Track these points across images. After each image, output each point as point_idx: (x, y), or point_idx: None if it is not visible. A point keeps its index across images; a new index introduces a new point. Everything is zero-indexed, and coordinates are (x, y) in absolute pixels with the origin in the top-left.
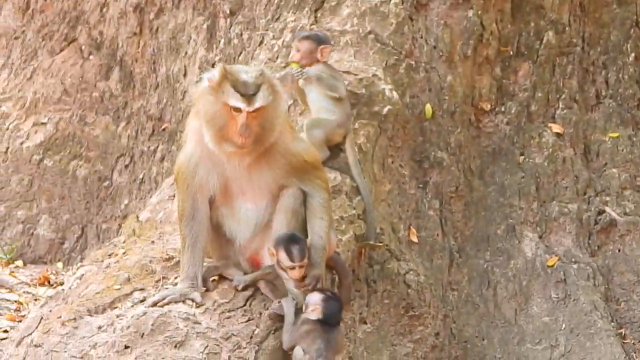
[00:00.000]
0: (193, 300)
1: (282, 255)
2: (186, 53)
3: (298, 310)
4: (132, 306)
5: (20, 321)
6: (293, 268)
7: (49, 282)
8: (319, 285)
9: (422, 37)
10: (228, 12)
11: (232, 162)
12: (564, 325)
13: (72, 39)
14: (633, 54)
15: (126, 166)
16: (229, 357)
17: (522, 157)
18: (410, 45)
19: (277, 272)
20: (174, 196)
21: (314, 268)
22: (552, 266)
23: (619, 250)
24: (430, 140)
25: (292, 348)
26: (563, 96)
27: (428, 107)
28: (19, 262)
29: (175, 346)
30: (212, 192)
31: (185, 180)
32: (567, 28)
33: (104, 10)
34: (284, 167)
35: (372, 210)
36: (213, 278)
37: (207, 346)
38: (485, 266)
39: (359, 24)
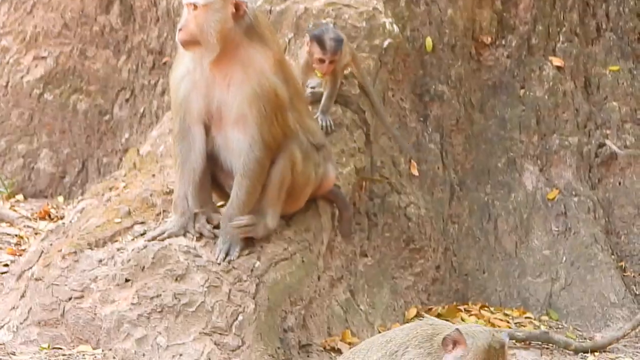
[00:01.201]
0: (192, 234)
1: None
2: None
3: None
4: (133, 239)
5: (21, 255)
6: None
7: (49, 216)
8: None
9: None
10: None
11: (201, 67)
12: (564, 258)
13: None
14: None
15: (127, 100)
16: (230, 290)
17: (523, 91)
18: None
19: None
20: None
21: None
22: (553, 199)
23: (620, 183)
24: (431, 73)
25: None
26: (563, 29)
27: (428, 40)
28: (20, 196)
29: (176, 279)
30: (197, 111)
31: (173, 97)
32: None
33: None
34: (253, 89)
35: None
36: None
37: (207, 279)
38: (485, 199)
39: None
